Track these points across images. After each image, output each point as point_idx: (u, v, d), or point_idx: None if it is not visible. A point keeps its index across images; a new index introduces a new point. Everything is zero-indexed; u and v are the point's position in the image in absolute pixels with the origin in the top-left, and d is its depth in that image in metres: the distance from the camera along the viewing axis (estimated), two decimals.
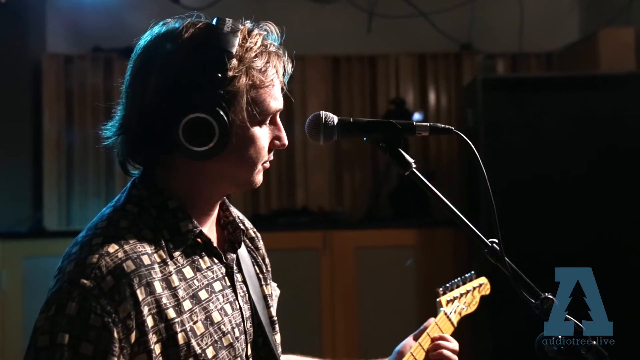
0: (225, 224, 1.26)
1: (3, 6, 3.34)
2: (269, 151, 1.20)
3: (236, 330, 1.16)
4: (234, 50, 1.10)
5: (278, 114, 1.20)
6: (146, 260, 1.07)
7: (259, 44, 1.14)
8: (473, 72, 4.38)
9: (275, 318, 1.30)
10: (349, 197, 4.48)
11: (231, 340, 1.14)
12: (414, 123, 1.19)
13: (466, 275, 1.57)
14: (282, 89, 1.20)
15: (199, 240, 1.16)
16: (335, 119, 1.21)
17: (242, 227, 1.27)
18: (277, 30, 1.20)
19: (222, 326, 1.13)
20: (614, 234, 3.44)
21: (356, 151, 4.46)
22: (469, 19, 4.36)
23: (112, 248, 1.05)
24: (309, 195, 4.44)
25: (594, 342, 1.08)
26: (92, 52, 4.31)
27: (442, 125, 1.19)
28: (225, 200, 1.26)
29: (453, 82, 4.47)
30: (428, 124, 1.18)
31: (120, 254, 1.04)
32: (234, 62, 1.10)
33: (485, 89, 3.55)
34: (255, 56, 1.13)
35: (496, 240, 1.14)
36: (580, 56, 4.04)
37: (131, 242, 1.07)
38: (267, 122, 1.17)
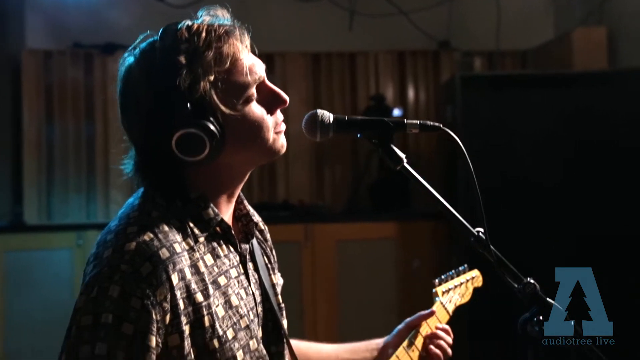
0: (240, 217, 1.33)
1: None
2: (273, 113, 1.23)
3: (250, 313, 1.23)
4: (182, 58, 1.13)
5: (260, 77, 1.21)
6: (177, 248, 1.12)
7: (203, 36, 1.15)
8: (451, 70, 4.47)
9: (283, 305, 1.37)
10: (329, 191, 4.55)
11: (247, 323, 1.21)
12: (405, 121, 1.25)
13: (460, 268, 1.66)
14: (254, 53, 1.22)
15: (218, 229, 1.22)
16: (332, 117, 1.26)
17: (255, 219, 1.34)
18: (224, 12, 1.21)
19: (240, 309, 1.20)
20: (591, 229, 3.53)
21: (336, 146, 4.52)
22: (447, 18, 4.46)
23: (148, 237, 1.10)
24: (289, 189, 4.50)
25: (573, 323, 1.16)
26: (72, 48, 4.31)
27: (432, 123, 1.25)
28: (240, 194, 1.31)
29: (432, 79, 4.56)
30: (418, 122, 1.25)
31: (156, 242, 1.10)
32: (184, 71, 1.13)
33: (464, 86, 3.63)
34: (204, 51, 1.14)
35: (482, 230, 1.21)
36: (554, 54, 4.15)
37: (164, 231, 1.13)
38: (253, 93, 1.20)
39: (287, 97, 1.24)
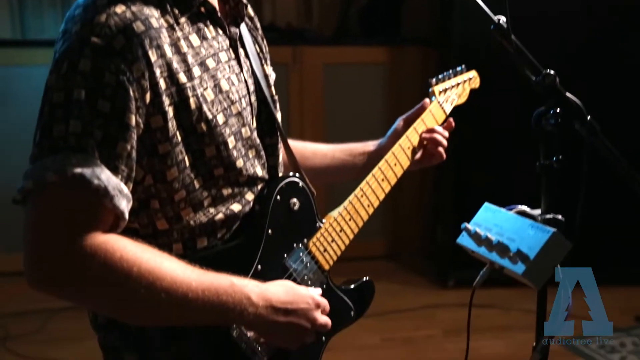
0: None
1: None
2: None
3: (243, 101, 1.17)
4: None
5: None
6: (154, 23, 1.04)
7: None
8: None
9: (276, 97, 1.31)
10: (317, 14, 4.36)
11: (239, 109, 1.15)
12: None
13: (457, 68, 1.60)
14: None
15: (202, 9, 1.13)
16: None
17: (244, 1, 1.23)
18: None
19: (231, 95, 1.14)
20: None
21: None
22: None
23: (120, 9, 1.01)
24: (276, 12, 4.30)
25: (589, 117, 1.12)
26: None
27: None
28: None
29: None
30: None
31: (129, 14, 1.01)
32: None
33: None
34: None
35: (503, 17, 1.13)
36: None
37: (137, 4, 1.03)
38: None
39: None
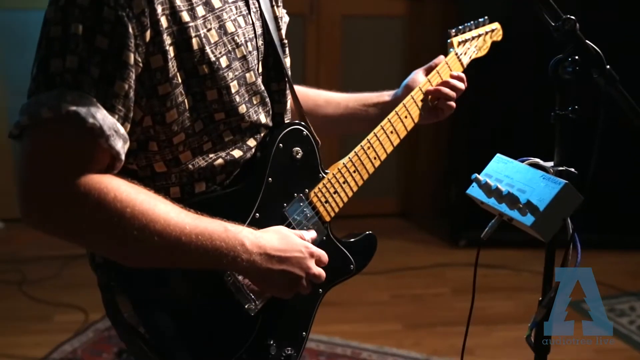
0: None
1: None
2: None
3: (249, 44, 1.13)
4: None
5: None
6: None
7: None
8: None
9: (286, 41, 1.26)
10: None
11: (244, 53, 1.11)
12: None
13: (479, 20, 1.53)
14: None
15: None
16: None
17: None
18: None
19: (236, 37, 1.10)
20: None
21: None
22: None
23: None
24: None
25: (608, 67, 1.08)
26: None
27: None
28: None
29: None
30: None
31: None
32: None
33: None
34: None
35: None
36: None
37: None
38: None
39: None
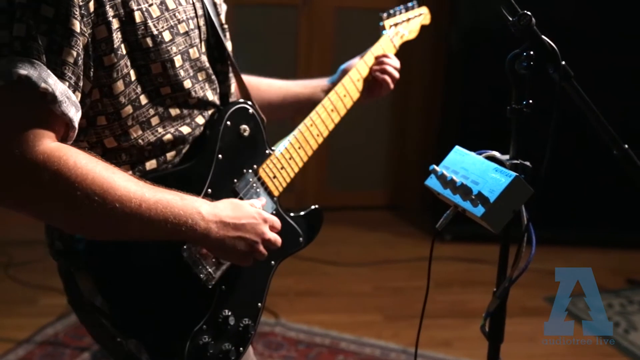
0: None
1: None
2: None
3: (190, 22, 1.16)
4: None
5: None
6: None
7: None
8: None
9: (226, 26, 1.31)
10: None
11: (187, 29, 1.15)
12: None
13: (409, 4, 1.64)
14: None
15: None
16: None
17: None
18: None
19: (177, 14, 1.13)
20: None
21: None
22: None
23: None
24: None
25: (563, 62, 1.09)
26: None
27: None
28: None
29: None
30: None
31: None
32: None
33: None
34: None
35: None
36: None
37: None
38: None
39: None
